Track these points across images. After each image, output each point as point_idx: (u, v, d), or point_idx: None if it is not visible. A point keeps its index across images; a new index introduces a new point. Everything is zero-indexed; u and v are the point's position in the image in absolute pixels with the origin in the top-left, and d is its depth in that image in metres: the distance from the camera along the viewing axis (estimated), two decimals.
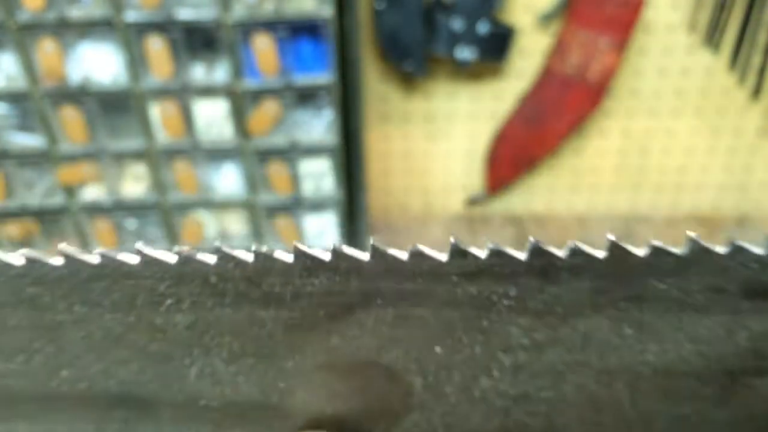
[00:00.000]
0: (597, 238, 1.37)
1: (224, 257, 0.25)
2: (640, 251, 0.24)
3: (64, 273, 0.25)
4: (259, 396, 0.29)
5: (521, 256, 0.24)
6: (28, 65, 1.00)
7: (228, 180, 1.14)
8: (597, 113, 1.30)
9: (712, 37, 1.21)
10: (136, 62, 1.00)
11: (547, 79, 1.24)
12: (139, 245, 0.25)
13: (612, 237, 0.24)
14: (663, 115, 1.33)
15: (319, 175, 1.12)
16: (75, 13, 0.97)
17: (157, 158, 1.09)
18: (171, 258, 0.25)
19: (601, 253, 0.24)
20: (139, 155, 1.09)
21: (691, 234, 0.23)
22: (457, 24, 1.15)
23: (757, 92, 1.25)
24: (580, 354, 0.27)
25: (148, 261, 0.25)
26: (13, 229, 1.15)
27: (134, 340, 0.27)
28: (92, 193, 1.13)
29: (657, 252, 0.24)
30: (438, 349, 0.27)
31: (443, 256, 0.25)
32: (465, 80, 1.28)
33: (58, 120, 1.05)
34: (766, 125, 1.33)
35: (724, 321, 0.26)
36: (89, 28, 0.98)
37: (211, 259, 0.25)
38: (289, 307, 0.26)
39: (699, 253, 0.24)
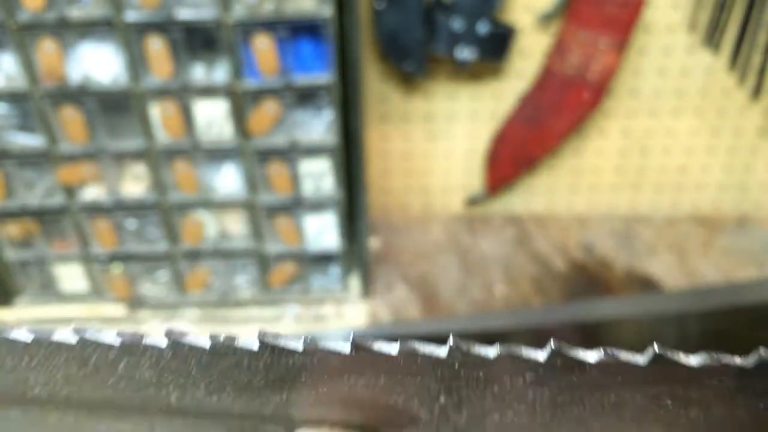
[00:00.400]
0: (598, 239, 1.37)
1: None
2: (692, 360, 0.20)
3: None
4: (249, 411, 0.29)
5: (538, 356, 0.21)
6: (28, 65, 1.00)
7: (228, 180, 1.14)
8: (597, 113, 1.30)
9: (712, 37, 1.21)
10: (136, 62, 1.00)
11: (547, 79, 1.24)
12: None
13: (657, 350, 0.20)
14: (663, 115, 1.33)
15: (319, 175, 1.12)
16: (75, 13, 0.97)
17: (157, 158, 1.09)
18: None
19: (641, 360, 0.20)
20: (139, 155, 1.09)
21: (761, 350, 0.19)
22: (457, 24, 1.15)
23: (757, 92, 1.25)
24: (611, 416, 0.24)
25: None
26: (13, 229, 1.15)
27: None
28: (92, 193, 1.13)
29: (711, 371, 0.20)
30: (443, 399, 0.26)
31: (442, 351, 0.22)
32: (465, 80, 1.28)
33: (58, 120, 1.05)
34: (766, 125, 1.33)
35: None
36: (89, 28, 0.98)
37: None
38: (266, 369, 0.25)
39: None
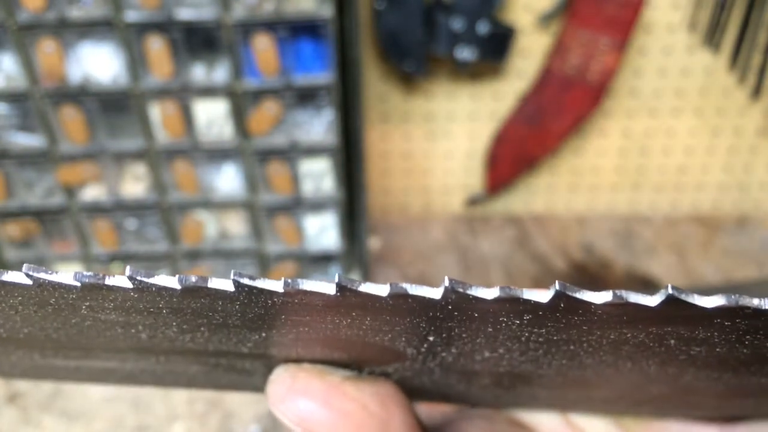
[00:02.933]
0: (598, 239, 1.37)
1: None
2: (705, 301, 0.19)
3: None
4: (227, 348, 0.27)
5: (541, 298, 0.19)
6: (28, 65, 1.00)
7: (228, 180, 1.14)
8: (597, 113, 1.30)
9: (713, 37, 1.21)
10: (136, 62, 1.00)
11: (547, 79, 1.24)
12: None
13: (671, 290, 0.18)
14: (663, 115, 1.33)
15: (319, 175, 1.12)
16: (75, 13, 0.97)
17: (157, 158, 1.09)
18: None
19: (651, 302, 0.19)
20: (139, 155, 1.09)
21: None
22: (457, 24, 1.15)
23: (757, 92, 1.25)
24: (610, 354, 0.23)
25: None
26: (13, 229, 1.15)
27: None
28: (92, 193, 1.13)
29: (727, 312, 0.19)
30: (432, 338, 0.24)
31: (436, 293, 0.20)
32: (465, 80, 1.28)
33: (58, 120, 1.05)
34: (766, 125, 1.33)
35: None
36: (89, 28, 0.98)
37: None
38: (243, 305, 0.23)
39: None
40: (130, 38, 0.99)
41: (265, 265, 1.21)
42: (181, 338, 0.25)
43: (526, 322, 0.21)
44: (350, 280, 0.21)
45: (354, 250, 1.24)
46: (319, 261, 1.23)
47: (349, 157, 1.12)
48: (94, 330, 0.25)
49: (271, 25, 0.99)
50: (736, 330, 0.20)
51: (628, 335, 0.22)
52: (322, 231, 1.19)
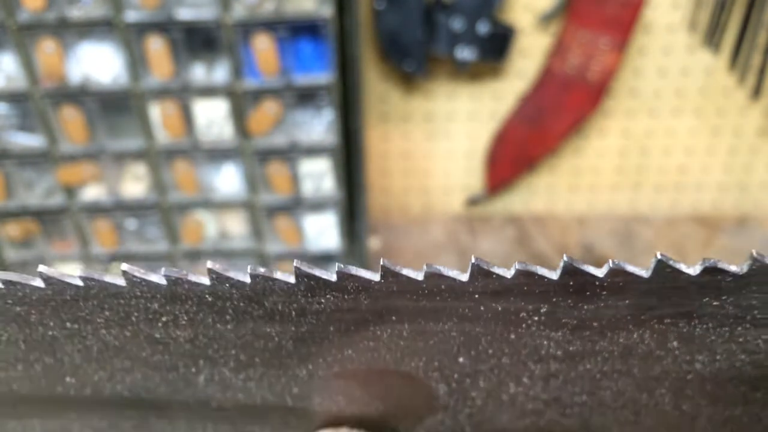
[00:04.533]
0: (598, 239, 1.37)
1: (219, 278, 0.23)
2: (692, 270, 0.21)
3: (48, 293, 0.24)
4: (273, 399, 0.28)
5: (552, 275, 0.22)
6: (28, 65, 1.00)
7: (228, 180, 1.14)
8: (597, 113, 1.30)
9: (712, 37, 1.21)
10: (136, 62, 1.00)
11: (547, 79, 1.24)
12: (125, 266, 0.23)
13: (659, 256, 0.21)
14: (663, 115, 1.33)
15: (319, 175, 1.12)
16: (75, 13, 0.97)
17: (157, 158, 1.09)
18: (161, 279, 0.23)
19: (645, 273, 0.22)
20: (139, 155, 1.09)
21: (753, 252, 0.21)
22: (457, 24, 1.15)
23: (757, 92, 1.25)
24: (621, 363, 0.25)
25: (135, 283, 0.23)
26: (13, 229, 1.15)
27: (135, 351, 0.26)
28: (92, 193, 1.13)
29: (712, 271, 0.21)
30: (462, 359, 0.25)
31: (463, 276, 0.22)
32: (465, 80, 1.28)
33: (58, 120, 1.05)
34: (766, 125, 1.33)
35: None
36: (89, 28, 0.98)
37: (204, 280, 0.23)
38: (295, 323, 0.24)
39: (760, 271, 0.21)
40: (130, 38, 0.99)
41: (265, 265, 1.21)
42: (236, 378, 0.26)
43: (543, 319, 0.23)
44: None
45: (354, 250, 1.24)
46: (319, 261, 1.23)
47: (349, 157, 1.12)
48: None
49: (271, 25, 0.99)
50: (719, 291, 0.22)
51: (635, 335, 0.23)
52: (322, 231, 1.19)
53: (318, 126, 1.09)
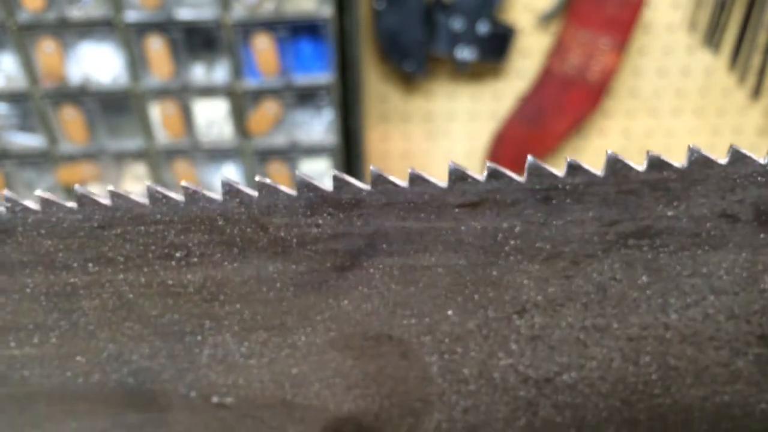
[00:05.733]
0: None
1: (231, 192, 0.24)
2: (640, 167, 0.24)
3: (78, 219, 0.25)
4: (273, 387, 0.29)
5: (520, 179, 0.24)
6: (28, 65, 1.00)
7: None
8: (597, 113, 1.30)
9: (712, 37, 1.21)
10: (136, 62, 1.00)
11: (547, 79, 1.24)
12: (149, 184, 0.25)
13: (609, 152, 0.24)
14: (663, 115, 1.33)
15: (319, 176, 1.12)
16: (75, 13, 0.97)
17: (157, 158, 1.09)
18: (179, 195, 0.25)
19: (600, 172, 0.25)
20: (139, 155, 1.09)
21: (691, 145, 0.23)
22: (457, 24, 1.15)
23: (757, 92, 1.25)
24: (599, 312, 0.26)
25: (157, 200, 0.25)
26: None
27: (146, 309, 0.27)
28: None
29: (658, 166, 0.24)
30: (450, 312, 0.27)
31: (443, 183, 0.25)
32: (465, 80, 1.28)
33: (58, 120, 1.05)
34: (766, 125, 1.33)
35: (743, 261, 0.24)
36: (89, 28, 0.98)
37: (217, 196, 0.25)
38: (295, 259, 0.26)
39: (699, 162, 0.23)
40: (130, 38, 0.99)
41: None
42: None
43: (519, 243, 0.25)
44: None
45: None
46: None
47: (349, 158, 1.12)
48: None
49: (270, 25, 0.99)
50: (670, 200, 0.24)
51: (605, 266, 0.25)
52: None
53: (318, 126, 1.09)
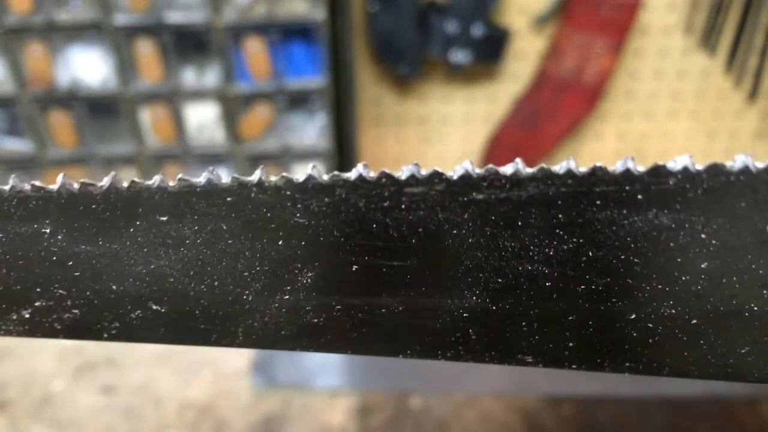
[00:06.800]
0: None
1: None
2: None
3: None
4: None
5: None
6: (16, 69, 0.98)
7: None
8: (593, 116, 1.29)
9: (709, 39, 1.20)
10: (126, 66, 0.99)
11: (543, 81, 1.23)
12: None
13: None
14: (659, 118, 1.32)
15: None
16: (63, 16, 0.95)
17: (147, 163, 1.08)
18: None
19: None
20: (129, 160, 1.08)
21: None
22: (451, 26, 1.14)
23: (753, 94, 1.24)
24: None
25: None
26: None
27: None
28: None
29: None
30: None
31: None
32: (460, 83, 1.27)
33: (46, 124, 1.04)
34: (762, 127, 1.33)
35: None
36: (78, 32, 0.97)
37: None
38: None
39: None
40: (119, 42, 0.97)
41: None
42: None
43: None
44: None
45: None
46: None
47: (343, 162, 1.11)
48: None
49: (262, 28, 0.98)
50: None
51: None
52: None
53: (311, 130, 1.07)
